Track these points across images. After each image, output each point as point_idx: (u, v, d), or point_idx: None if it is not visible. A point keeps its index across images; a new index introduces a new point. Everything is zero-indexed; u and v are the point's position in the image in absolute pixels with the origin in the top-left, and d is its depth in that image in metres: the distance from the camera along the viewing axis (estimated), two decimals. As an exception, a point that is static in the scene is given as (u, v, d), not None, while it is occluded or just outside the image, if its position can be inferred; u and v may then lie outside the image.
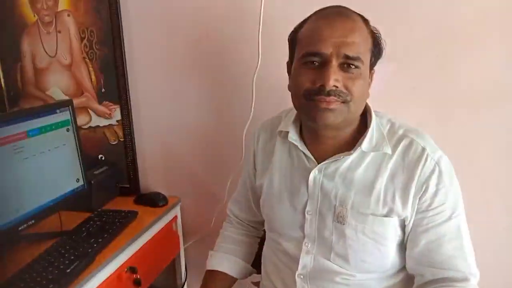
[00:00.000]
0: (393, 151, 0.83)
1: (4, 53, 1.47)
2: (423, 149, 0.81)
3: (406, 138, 0.84)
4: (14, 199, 1.04)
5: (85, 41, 1.39)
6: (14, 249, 1.08)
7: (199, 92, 1.36)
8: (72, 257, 1.01)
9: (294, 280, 0.91)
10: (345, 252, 0.85)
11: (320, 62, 0.77)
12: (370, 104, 0.89)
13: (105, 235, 1.13)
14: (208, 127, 1.39)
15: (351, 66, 0.77)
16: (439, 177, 0.80)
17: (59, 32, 1.40)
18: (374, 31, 0.83)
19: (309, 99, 0.78)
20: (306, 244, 0.89)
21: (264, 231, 1.09)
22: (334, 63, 0.76)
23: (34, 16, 1.41)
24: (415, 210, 0.82)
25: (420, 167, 0.80)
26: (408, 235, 0.85)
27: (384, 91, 1.16)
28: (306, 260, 0.89)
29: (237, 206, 1.13)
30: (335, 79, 0.75)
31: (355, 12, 0.82)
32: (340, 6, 0.82)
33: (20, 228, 1.05)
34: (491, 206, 1.18)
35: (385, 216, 0.82)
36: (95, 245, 1.07)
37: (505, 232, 1.19)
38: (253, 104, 1.27)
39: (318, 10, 0.83)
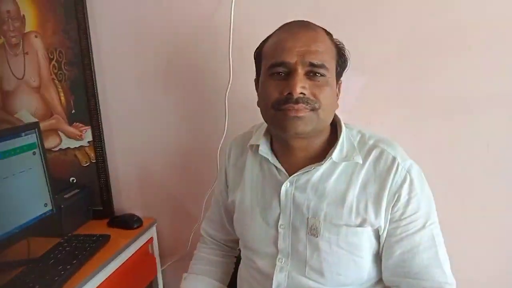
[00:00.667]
0: (364, 161, 0.83)
1: (-30, 77, 1.44)
2: (394, 159, 0.82)
3: (376, 148, 0.84)
4: (-24, 227, 0.99)
5: (53, 62, 1.36)
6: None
7: (172, 110, 1.34)
8: (37, 286, 0.96)
9: None
10: (319, 266, 0.84)
11: (286, 72, 0.78)
12: (344, 116, 0.90)
13: (74, 262, 1.08)
14: (182, 146, 1.36)
15: (317, 74, 0.78)
16: (410, 186, 0.81)
17: (27, 53, 1.38)
18: (337, 43, 0.85)
19: (277, 109, 0.78)
20: (280, 260, 0.87)
21: (240, 250, 1.06)
22: (300, 71, 0.77)
23: (0, 38, 1.38)
24: (389, 220, 0.82)
25: (391, 176, 0.81)
26: (383, 245, 0.84)
27: (358, 103, 1.18)
28: (280, 278, 0.87)
29: (211, 225, 1.10)
30: (301, 86, 0.76)
31: (317, 25, 0.83)
32: (302, 20, 0.84)
33: (-18, 258, 1.00)
34: (467, 212, 1.17)
35: (359, 226, 0.82)
36: (62, 272, 1.03)
37: (482, 236, 1.18)
38: (226, 120, 1.25)
39: (282, 25, 0.84)
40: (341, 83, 0.88)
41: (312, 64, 0.77)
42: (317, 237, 0.83)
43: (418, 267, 0.81)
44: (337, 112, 0.90)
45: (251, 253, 0.93)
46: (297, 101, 0.76)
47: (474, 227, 1.18)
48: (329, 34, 0.84)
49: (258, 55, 0.87)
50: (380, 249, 0.84)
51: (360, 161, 0.83)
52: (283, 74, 0.79)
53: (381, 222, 0.81)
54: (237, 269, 1.04)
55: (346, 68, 0.87)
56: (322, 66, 0.77)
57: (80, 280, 1.04)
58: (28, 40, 1.37)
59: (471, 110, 1.12)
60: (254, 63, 0.90)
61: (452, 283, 0.83)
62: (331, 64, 0.81)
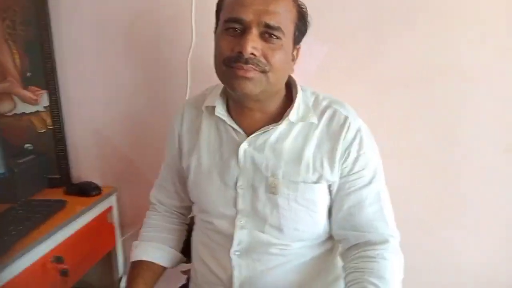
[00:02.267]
0: (319, 120, 0.86)
1: None
2: (346, 118, 0.85)
3: (330, 108, 0.87)
4: None
5: (7, 21, 1.30)
6: None
7: (133, 75, 1.31)
8: (-16, 246, 0.93)
9: (229, 258, 0.88)
10: (278, 222, 0.86)
11: (241, 30, 0.77)
12: (304, 83, 0.90)
13: (27, 223, 1.04)
14: (143, 112, 1.34)
15: (272, 36, 0.77)
16: (360, 144, 0.85)
17: (-23, 11, 1.30)
18: (301, 7, 0.84)
19: (228, 66, 0.78)
20: (240, 219, 0.88)
21: (191, 218, 1.06)
22: (254, 31, 0.76)
23: None
24: (339, 175, 0.85)
25: (343, 134, 0.84)
26: (333, 200, 0.88)
27: (320, 72, 1.19)
28: (241, 236, 0.87)
29: (163, 192, 1.06)
30: (253, 46, 0.75)
31: None
32: None
33: None
34: (426, 182, 1.23)
35: (315, 182, 0.85)
36: (13, 233, 0.99)
37: (438, 208, 1.24)
38: (188, 85, 1.24)
39: None
40: (299, 47, 0.88)
41: (267, 25, 0.76)
42: (276, 194, 0.85)
43: (364, 220, 0.85)
44: (298, 78, 0.90)
45: (208, 216, 0.93)
46: (246, 61, 0.75)
47: (431, 197, 1.23)
48: None
49: (219, 5, 0.85)
50: (331, 203, 0.88)
51: (316, 121, 0.85)
52: (238, 31, 0.77)
53: (335, 178, 0.85)
54: (189, 237, 1.03)
55: (306, 34, 0.87)
56: (278, 28, 0.76)
57: (31, 242, 1.00)
58: (-21, -3, 1.29)
59: (429, 79, 1.16)
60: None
61: (395, 235, 0.87)
62: (289, 28, 0.80)
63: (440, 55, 1.14)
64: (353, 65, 1.19)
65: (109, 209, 1.37)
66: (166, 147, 1.03)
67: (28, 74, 1.33)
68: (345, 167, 0.85)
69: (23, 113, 1.37)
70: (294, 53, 0.86)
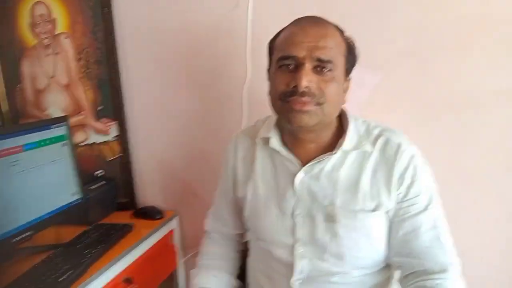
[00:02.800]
0: (372, 148, 0.87)
1: (6, 76, 1.53)
2: (399, 145, 0.86)
3: (382, 136, 0.88)
4: (10, 211, 1.06)
5: (82, 61, 1.44)
6: (10, 261, 1.09)
7: (192, 106, 1.40)
8: (66, 267, 1.02)
9: (289, 287, 0.90)
10: (339, 250, 0.86)
11: (294, 65, 0.81)
12: (356, 113, 0.93)
13: (100, 247, 1.14)
14: (202, 140, 1.41)
15: (324, 69, 0.80)
16: (414, 170, 0.85)
17: (57, 54, 1.46)
18: (348, 40, 0.87)
19: (284, 101, 0.81)
20: (299, 248, 0.89)
21: (245, 243, 1.09)
22: (308, 65, 0.79)
23: (34, 39, 1.47)
24: (394, 201, 0.85)
25: (397, 161, 0.85)
26: (389, 226, 0.87)
27: (369, 99, 1.20)
28: (302, 265, 0.88)
29: (217, 221, 1.10)
30: (308, 80, 0.78)
31: (330, 22, 0.86)
32: (314, 16, 0.86)
33: (15, 240, 1.07)
34: (477, 206, 1.18)
35: (374, 210, 0.85)
36: (89, 255, 1.09)
37: (491, 230, 1.18)
38: (243, 116, 1.30)
39: (294, 20, 0.87)
40: (350, 79, 0.90)
41: (319, 59, 0.79)
42: (334, 223, 0.85)
43: (420, 248, 0.84)
44: (350, 108, 0.92)
45: (267, 244, 0.94)
46: (302, 94, 0.78)
47: (483, 221, 1.18)
48: (340, 30, 0.86)
49: (270, 47, 0.90)
50: (387, 230, 0.88)
51: (370, 149, 0.87)
52: (291, 66, 0.81)
53: (392, 204, 0.85)
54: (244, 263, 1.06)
55: (356, 65, 0.89)
56: (329, 61, 0.79)
57: (104, 264, 1.09)
58: (59, 41, 1.45)
59: (481, 105, 1.13)
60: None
61: (455, 262, 0.84)
62: (340, 60, 0.83)
63: (493, 79, 1.10)
64: (403, 91, 1.18)
65: (171, 232, 1.45)
66: (221, 177, 1.08)
67: (100, 107, 1.46)
68: (399, 193, 0.85)
69: (95, 143, 1.50)
70: (345, 85, 0.89)
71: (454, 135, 1.16)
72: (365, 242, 0.86)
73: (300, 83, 0.78)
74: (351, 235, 0.85)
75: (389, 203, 0.85)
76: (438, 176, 0.90)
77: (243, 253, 1.10)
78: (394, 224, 0.86)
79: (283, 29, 0.88)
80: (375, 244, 0.87)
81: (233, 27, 1.28)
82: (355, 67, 0.89)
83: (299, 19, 0.87)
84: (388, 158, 0.85)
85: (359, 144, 0.87)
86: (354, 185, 0.86)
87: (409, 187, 0.84)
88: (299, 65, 0.80)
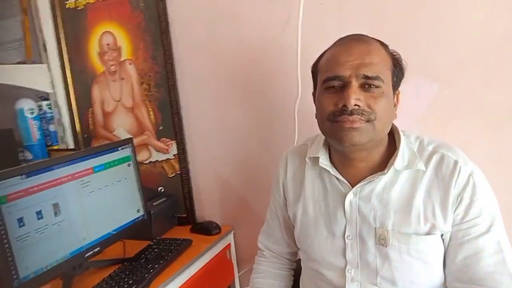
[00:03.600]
0: (426, 167, 0.83)
1: (79, 101, 1.69)
2: (456, 162, 0.81)
3: (437, 153, 0.84)
4: (82, 228, 1.17)
5: (144, 85, 1.55)
6: (82, 274, 1.20)
7: (246, 125, 1.44)
8: (131, 281, 1.10)
9: None
10: (391, 275, 0.84)
11: (341, 85, 0.81)
12: (416, 125, 0.90)
13: (161, 262, 1.21)
14: (256, 157, 1.45)
15: (371, 85, 0.79)
16: (473, 189, 0.80)
17: (123, 79, 1.58)
18: (394, 53, 0.86)
19: (333, 121, 0.81)
20: (350, 271, 0.88)
21: (297, 262, 1.08)
22: (354, 83, 0.79)
23: (102, 66, 1.61)
24: (451, 223, 0.81)
25: (454, 180, 0.80)
26: (446, 250, 0.83)
27: (428, 112, 1.16)
28: None
29: (269, 239, 1.11)
30: (356, 98, 0.78)
31: (373, 38, 0.85)
32: (356, 34, 0.86)
33: (86, 255, 1.17)
34: None
35: (428, 234, 0.81)
36: (151, 270, 1.16)
37: None
38: (296, 132, 1.31)
39: (337, 40, 0.87)
40: (399, 93, 0.88)
41: (366, 77, 0.78)
42: (386, 246, 0.83)
43: (483, 273, 0.78)
44: (407, 122, 0.90)
45: (317, 265, 0.94)
46: (351, 113, 0.78)
47: None
48: (384, 45, 0.85)
49: (315, 69, 0.90)
50: (444, 254, 0.83)
51: (423, 168, 0.83)
52: (338, 87, 0.81)
53: (449, 227, 0.80)
54: (296, 282, 1.06)
55: (403, 78, 0.87)
56: (376, 77, 0.78)
57: (166, 278, 1.16)
58: (124, 67, 1.57)
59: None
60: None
61: None
62: (387, 75, 0.81)
63: None
64: (463, 101, 1.12)
65: (228, 246, 1.50)
66: (271, 195, 1.09)
67: (161, 127, 1.55)
68: (457, 214, 0.80)
69: (157, 161, 1.59)
70: (395, 99, 0.87)
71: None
72: (419, 266, 0.82)
73: (349, 102, 0.77)
74: (404, 259, 0.82)
75: (444, 226, 0.80)
76: (503, 191, 0.84)
77: (296, 271, 1.11)
78: (452, 247, 0.81)
79: (325, 51, 0.89)
80: (430, 269, 0.83)
81: (284, 43, 1.30)
82: (403, 80, 0.87)
83: (341, 38, 0.87)
84: (444, 177, 0.81)
85: (412, 162, 0.83)
86: (407, 206, 0.82)
87: (468, 207, 0.79)
88: (346, 84, 0.80)
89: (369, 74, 0.78)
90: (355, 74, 0.79)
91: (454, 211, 0.80)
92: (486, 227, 0.79)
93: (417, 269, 0.82)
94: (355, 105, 0.78)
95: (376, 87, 0.79)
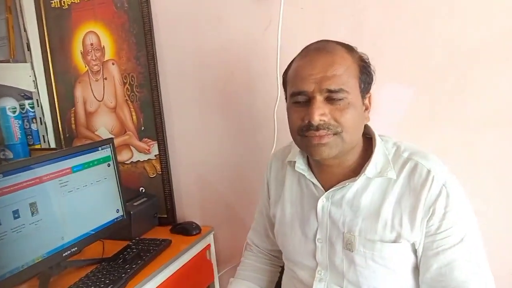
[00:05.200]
0: (398, 175, 0.84)
1: (62, 101, 1.69)
2: (428, 171, 0.81)
3: (411, 161, 0.84)
4: (60, 228, 1.17)
5: (127, 85, 1.55)
6: (60, 273, 1.20)
7: (227, 126, 1.45)
8: (108, 281, 1.11)
9: None
10: (356, 279, 0.85)
11: (306, 99, 0.81)
12: (392, 130, 0.91)
13: (139, 261, 1.22)
14: (237, 159, 1.46)
15: (336, 98, 0.79)
16: (446, 200, 0.79)
17: (106, 79, 1.59)
18: (362, 58, 0.86)
19: (302, 135, 0.83)
20: (319, 272, 0.90)
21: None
22: (319, 97, 0.79)
23: (85, 66, 1.61)
24: (424, 234, 0.81)
25: (426, 190, 0.80)
26: (420, 259, 0.83)
27: (404, 117, 1.18)
28: None
29: (256, 235, 1.15)
30: (320, 113, 0.78)
31: (338, 43, 0.85)
32: (321, 41, 0.86)
33: (64, 254, 1.17)
34: None
35: (394, 242, 0.82)
36: (129, 270, 1.17)
37: None
38: (275, 134, 1.33)
39: (302, 49, 0.88)
40: (370, 95, 0.88)
41: (329, 90, 0.79)
42: (352, 251, 0.85)
43: (456, 282, 0.79)
44: (384, 126, 0.91)
45: (292, 264, 0.98)
46: (317, 128, 0.79)
47: None
48: (350, 50, 0.85)
49: (284, 80, 0.91)
50: (418, 263, 0.84)
51: (394, 177, 0.83)
52: (303, 100, 0.82)
53: (417, 237, 0.81)
54: (281, 278, 1.09)
55: (373, 82, 0.88)
56: (340, 90, 0.79)
57: (144, 278, 1.17)
58: (107, 67, 1.58)
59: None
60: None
61: None
62: (352, 84, 0.81)
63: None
64: (440, 107, 1.15)
65: (208, 246, 1.51)
66: (260, 193, 1.12)
67: (142, 128, 1.56)
68: (431, 225, 0.80)
69: (138, 161, 1.60)
70: (366, 102, 0.87)
71: (498, 154, 1.11)
72: (383, 273, 0.83)
73: (313, 118, 0.78)
74: (369, 265, 0.83)
75: (410, 235, 0.81)
76: (478, 197, 0.85)
77: (283, 269, 1.13)
78: (426, 257, 0.81)
79: (292, 61, 0.89)
80: (395, 276, 0.84)
81: (265, 48, 1.32)
82: (373, 83, 0.88)
83: (306, 48, 0.87)
84: (415, 187, 0.81)
85: (384, 170, 0.84)
86: (375, 213, 0.83)
87: (442, 218, 0.79)
88: (310, 99, 0.80)
89: (332, 87, 0.79)
90: (319, 89, 0.79)
91: (428, 222, 0.80)
92: (460, 237, 0.79)
93: (381, 275, 0.84)
94: (321, 120, 0.79)
95: (341, 99, 0.79)
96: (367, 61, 0.86)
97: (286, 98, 0.92)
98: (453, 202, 0.79)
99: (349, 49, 0.85)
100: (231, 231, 1.54)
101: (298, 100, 0.83)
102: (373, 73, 0.87)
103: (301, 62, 0.84)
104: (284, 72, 0.92)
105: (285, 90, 0.91)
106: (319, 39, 0.89)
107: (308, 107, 0.80)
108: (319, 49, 0.83)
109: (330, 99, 0.80)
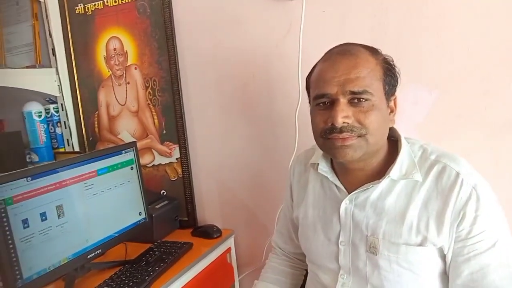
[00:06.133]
0: (425, 177, 0.82)
1: (85, 105, 1.72)
2: (457, 174, 0.79)
3: (438, 163, 0.82)
4: (84, 230, 1.19)
5: (149, 89, 1.57)
6: (84, 275, 1.22)
7: (247, 130, 1.46)
8: (131, 283, 1.12)
9: None
10: (380, 283, 0.84)
11: (330, 102, 0.81)
12: (414, 132, 0.89)
13: (162, 264, 1.23)
14: (257, 162, 1.46)
15: (360, 100, 0.79)
16: (476, 203, 0.77)
17: (128, 83, 1.61)
18: (386, 60, 0.85)
19: (325, 138, 0.82)
20: (342, 276, 0.89)
21: None
22: (342, 100, 0.79)
23: (108, 71, 1.64)
24: (454, 239, 0.79)
25: (455, 193, 0.78)
26: (449, 265, 0.81)
27: (427, 120, 1.16)
28: None
29: (280, 238, 1.15)
30: (344, 116, 0.78)
31: (362, 46, 0.84)
32: (344, 44, 0.86)
33: (89, 257, 1.19)
34: None
35: (419, 245, 0.81)
36: (151, 273, 1.18)
37: None
38: (296, 138, 1.32)
39: (325, 53, 0.88)
40: (395, 98, 0.88)
41: (353, 92, 0.78)
42: (376, 255, 0.83)
43: (490, 287, 0.77)
44: (408, 128, 0.90)
45: (315, 267, 0.97)
46: (341, 131, 0.79)
47: None
48: (374, 52, 0.84)
49: (307, 84, 0.92)
50: (447, 269, 0.82)
51: (420, 179, 0.82)
52: (327, 103, 0.82)
53: (444, 241, 0.79)
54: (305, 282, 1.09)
55: (398, 84, 0.87)
56: (363, 92, 0.78)
57: (166, 281, 1.18)
58: (129, 72, 1.60)
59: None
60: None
61: None
62: (376, 86, 0.81)
63: None
64: (463, 109, 1.13)
65: (228, 250, 1.51)
66: (284, 196, 1.13)
67: (164, 131, 1.58)
68: (462, 229, 0.78)
69: (160, 164, 1.61)
70: (391, 104, 0.86)
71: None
72: (409, 277, 0.82)
73: (336, 121, 0.78)
74: (393, 269, 0.82)
75: (437, 239, 0.79)
76: (503, 200, 0.83)
77: (307, 273, 1.13)
78: (457, 263, 0.79)
79: (316, 64, 0.89)
80: (420, 281, 0.82)
81: (286, 52, 1.32)
82: (398, 85, 0.87)
83: (329, 52, 0.87)
84: (444, 189, 0.79)
85: (409, 172, 0.82)
86: (400, 216, 0.82)
87: (473, 222, 0.77)
88: (333, 101, 0.80)
89: (355, 89, 0.78)
90: (342, 91, 0.79)
91: (458, 227, 0.78)
92: (492, 241, 0.77)
93: (406, 279, 0.82)
94: (344, 122, 0.78)
95: (365, 100, 0.79)
96: (391, 63, 0.86)
97: (309, 102, 0.92)
98: (484, 206, 0.77)
99: (373, 51, 0.84)
100: (251, 234, 1.54)
101: (321, 102, 0.83)
102: (398, 75, 0.86)
103: (324, 65, 0.84)
104: (308, 75, 0.92)
105: (308, 94, 0.92)
106: (341, 42, 0.89)
107: (331, 110, 0.80)
108: (342, 52, 0.83)
109: (353, 101, 0.80)
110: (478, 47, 1.08)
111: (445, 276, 0.84)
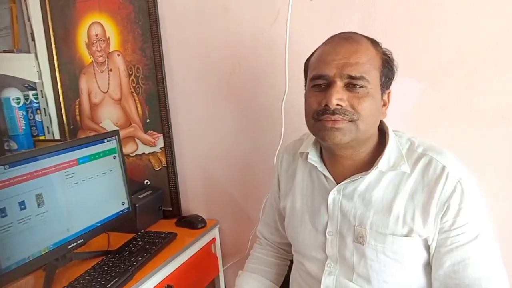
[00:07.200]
0: (412, 169, 0.83)
1: (66, 92, 1.67)
2: (443, 167, 0.80)
3: (425, 156, 0.83)
4: (65, 219, 1.16)
5: (132, 77, 1.54)
6: (66, 265, 1.20)
7: (233, 119, 1.44)
8: (114, 274, 1.11)
9: None
10: (366, 273, 0.85)
11: (326, 84, 0.81)
12: (400, 124, 0.91)
13: (145, 254, 1.21)
14: (243, 152, 1.45)
15: (356, 85, 0.79)
16: (461, 196, 0.79)
17: (111, 70, 1.57)
18: (385, 53, 0.85)
19: (316, 119, 0.82)
20: (329, 265, 0.90)
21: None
22: (339, 83, 0.79)
23: (90, 57, 1.60)
24: (438, 230, 0.80)
25: (440, 186, 0.79)
26: (433, 256, 0.83)
27: (415, 110, 1.17)
28: (328, 281, 0.89)
29: (266, 228, 1.15)
30: (338, 98, 0.78)
31: (364, 36, 0.85)
32: (347, 32, 0.86)
33: (70, 247, 1.17)
34: None
35: (405, 236, 0.81)
36: (135, 263, 1.16)
37: None
38: (283, 127, 1.32)
39: (328, 38, 0.88)
40: (389, 92, 0.88)
41: (350, 76, 0.79)
42: (363, 245, 0.84)
43: (469, 279, 0.79)
44: (394, 119, 0.91)
45: (301, 257, 0.97)
46: (333, 112, 0.79)
47: None
48: (375, 44, 0.85)
49: (306, 66, 0.91)
50: (430, 259, 0.84)
51: (407, 171, 0.83)
52: (323, 86, 0.82)
53: (429, 232, 0.80)
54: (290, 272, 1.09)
55: (394, 78, 0.88)
56: (361, 77, 0.79)
57: (149, 271, 1.16)
58: (112, 59, 1.56)
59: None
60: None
61: None
62: (373, 75, 0.81)
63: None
64: (449, 101, 1.14)
65: (213, 240, 1.51)
66: (271, 186, 1.12)
67: (148, 120, 1.55)
68: (445, 221, 0.79)
69: (143, 154, 1.59)
70: (385, 98, 0.87)
71: (507, 148, 1.10)
72: (395, 267, 0.83)
73: (331, 101, 0.78)
74: (380, 258, 0.83)
75: (423, 230, 0.80)
76: (485, 193, 0.85)
77: (291, 263, 1.13)
78: (440, 254, 0.81)
79: (317, 49, 0.89)
80: (406, 272, 0.83)
81: (273, 40, 1.30)
82: (394, 80, 0.88)
83: (332, 37, 0.87)
84: (429, 182, 0.80)
85: (397, 164, 0.83)
86: (387, 207, 0.83)
87: (457, 215, 0.78)
88: (330, 84, 0.80)
89: (353, 74, 0.79)
90: (340, 74, 0.79)
91: (442, 218, 0.79)
92: (475, 234, 0.79)
93: (392, 269, 0.83)
94: (338, 105, 0.78)
95: (361, 87, 0.79)
96: (390, 56, 0.86)
97: (305, 85, 0.91)
98: (468, 199, 0.79)
99: (375, 42, 0.85)
100: (236, 224, 1.53)
101: (318, 83, 0.82)
102: (395, 69, 0.87)
103: (326, 48, 0.84)
104: (307, 59, 0.92)
105: (306, 77, 0.91)
106: (329, 32, 0.88)
107: (327, 92, 0.80)
108: (345, 37, 0.84)
109: (349, 86, 0.80)
110: (465, 40, 1.09)
111: (428, 267, 0.85)
